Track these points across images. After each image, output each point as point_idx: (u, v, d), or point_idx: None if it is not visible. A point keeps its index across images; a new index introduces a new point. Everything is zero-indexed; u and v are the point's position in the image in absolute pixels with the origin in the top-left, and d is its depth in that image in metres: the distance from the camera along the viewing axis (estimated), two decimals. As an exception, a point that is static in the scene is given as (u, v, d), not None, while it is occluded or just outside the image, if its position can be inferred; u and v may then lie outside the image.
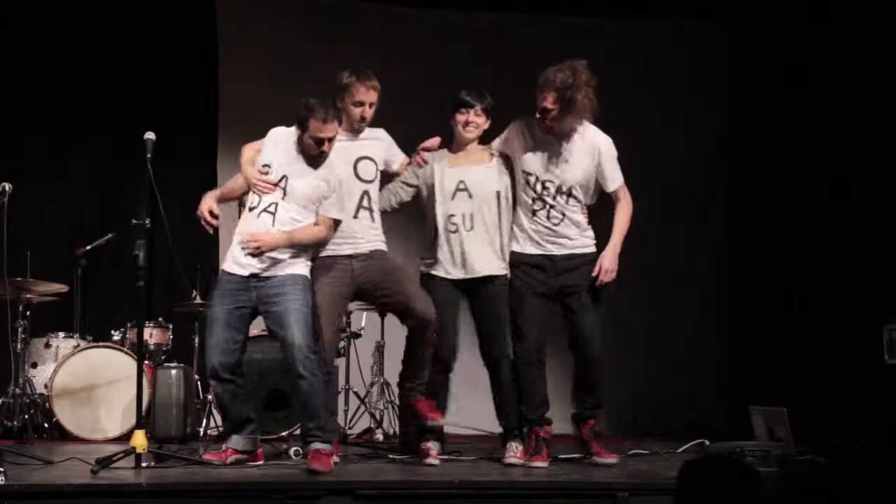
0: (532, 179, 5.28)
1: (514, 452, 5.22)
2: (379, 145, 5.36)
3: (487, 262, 5.25)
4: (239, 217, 5.39)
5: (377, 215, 5.30)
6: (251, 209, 5.06)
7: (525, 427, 5.35)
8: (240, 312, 4.99)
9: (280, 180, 5.02)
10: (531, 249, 5.30)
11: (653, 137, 8.42)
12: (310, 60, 7.89)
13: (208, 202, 5.07)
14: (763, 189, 8.08)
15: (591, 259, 5.39)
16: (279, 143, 5.11)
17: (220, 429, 6.73)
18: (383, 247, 5.31)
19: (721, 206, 8.57)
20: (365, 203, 5.24)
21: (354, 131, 5.30)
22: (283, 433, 6.46)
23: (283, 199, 5.02)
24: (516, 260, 5.30)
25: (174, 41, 7.95)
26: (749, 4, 8.13)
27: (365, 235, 5.23)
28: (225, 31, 8.11)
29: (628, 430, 7.93)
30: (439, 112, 7.49)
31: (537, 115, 5.25)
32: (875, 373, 6.40)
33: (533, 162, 5.30)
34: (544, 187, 5.27)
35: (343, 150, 5.19)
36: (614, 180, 5.40)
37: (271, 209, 5.01)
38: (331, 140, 4.99)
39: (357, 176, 5.24)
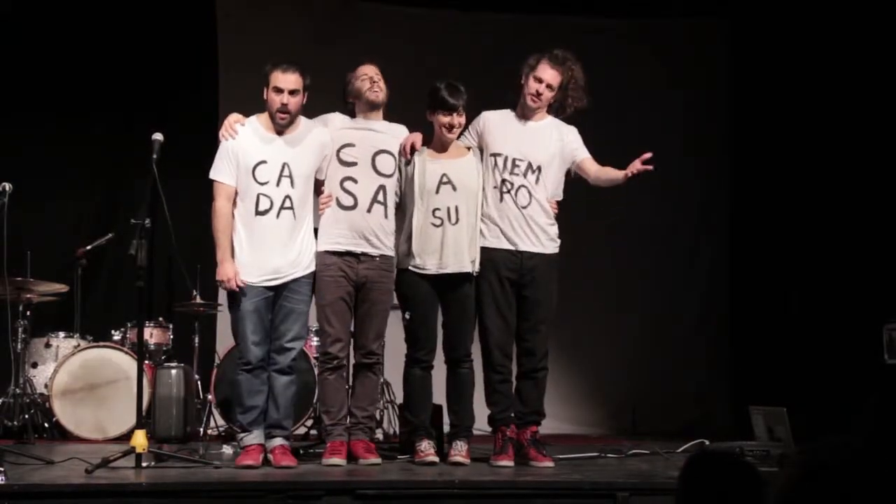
0: (501, 160, 5.30)
1: (460, 451, 5.20)
2: (399, 143, 5.32)
3: (465, 258, 5.23)
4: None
5: (391, 212, 5.27)
6: (262, 213, 5.02)
7: (491, 427, 5.37)
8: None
9: (282, 169, 5.03)
10: (497, 243, 5.29)
11: (653, 137, 8.42)
12: (310, 60, 7.83)
13: (234, 268, 5.02)
14: (763, 189, 8.08)
15: (552, 261, 5.38)
16: (246, 136, 5.07)
17: (221, 429, 6.75)
18: (391, 251, 5.28)
19: (721, 206, 8.58)
20: (380, 198, 5.20)
21: (369, 107, 5.25)
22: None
23: (292, 187, 5.04)
24: (483, 256, 5.28)
25: (174, 41, 7.95)
26: (749, 4, 8.14)
27: (377, 233, 5.20)
28: (225, 31, 8.12)
29: (628, 430, 7.94)
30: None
31: (534, 85, 5.30)
32: (875, 373, 6.40)
33: (503, 143, 5.33)
34: (515, 165, 5.29)
35: (363, 138, 5.21)
36: (585, 149, 5.48)
37: (287, 204, 5.03)
38: (292, 94, 5.02)
39: (374, 168, 5.21)
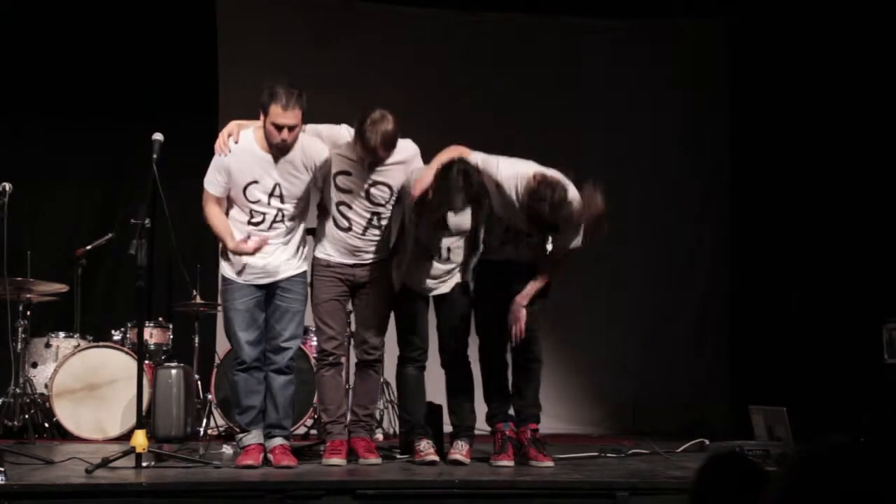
0: (503, 224, 5.15)
1: (460, 450, 5.20)
2: (400, 169, 5.10)
3: (455, 282, 5.26)
4: None
5: (386, 227, 5.20)
6: (254, 224, 5.00)
7: (489, 425, 5.37)
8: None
9: (273, 189, 4.97)
10: (496, 256, 5.26)
11: (653, 137, 8.44)
12: (310, 60, 7.89)
13: (236, 243, 4.98)
14: (762, 189, 8.09)
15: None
16: (239, 154, 4.94)
17: (221, 429, 6.75)
18: (388, 254, 5.25)
19: (720, 206, 8.58)
20: (374, 222, 5.16)
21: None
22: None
23: (282, 203, 4.99)
24: (481, 266, 5.27)
25: (175, 41, 7.96)
26: (749, 4, 8.14)
27: (370, 249, 5.19)
28: (225, 31, 8.13)
29: (628, 429, 7.94)
30: (438, 112, 7.52)
31: (535, 212, 4.85)
32: (875, 373, 6.40)
33: (507, 214, 5.10)
34: (517, 233, 5.18)
35: (360, 170, 5.05)
36: (570, 244, 5.14)
37: (279, 217, 5.01)
38: (291, 129, 4.85)
39: (369, 199, 5.10)
